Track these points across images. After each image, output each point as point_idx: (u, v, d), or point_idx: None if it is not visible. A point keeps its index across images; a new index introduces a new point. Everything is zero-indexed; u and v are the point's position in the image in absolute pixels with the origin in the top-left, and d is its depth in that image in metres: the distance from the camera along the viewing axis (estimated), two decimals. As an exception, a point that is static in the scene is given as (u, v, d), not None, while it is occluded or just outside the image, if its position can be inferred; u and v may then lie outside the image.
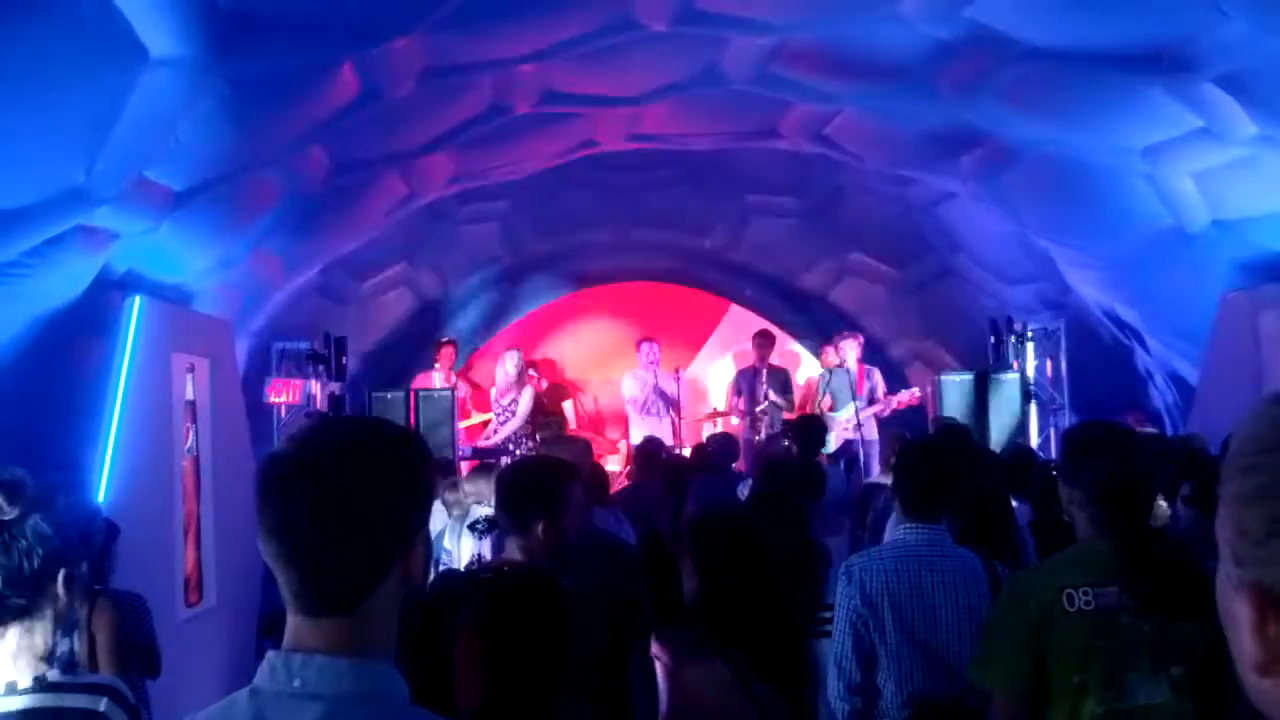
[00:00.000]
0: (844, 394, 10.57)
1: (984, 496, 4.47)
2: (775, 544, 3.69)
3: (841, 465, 9.87)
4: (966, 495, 4.12)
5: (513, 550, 3.31)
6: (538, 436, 9.75)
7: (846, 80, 7.86)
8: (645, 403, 11.70)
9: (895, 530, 3.72)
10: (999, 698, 2.82)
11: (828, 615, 4.58)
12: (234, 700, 1.43)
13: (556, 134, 9.29)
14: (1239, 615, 0.93)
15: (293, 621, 1.44)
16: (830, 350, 11.27)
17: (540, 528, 3.23)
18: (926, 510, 3.66)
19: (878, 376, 10.94)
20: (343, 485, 1.41)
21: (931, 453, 3.90)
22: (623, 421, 12.24)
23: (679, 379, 11.65)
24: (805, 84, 8.02)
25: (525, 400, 10.85)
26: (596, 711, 3.45)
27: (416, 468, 1.51)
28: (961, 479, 4.01)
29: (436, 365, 11.27)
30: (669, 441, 10.61)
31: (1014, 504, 5.04)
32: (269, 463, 1.46)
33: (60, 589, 2.24)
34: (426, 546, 1.55)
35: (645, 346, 11.78)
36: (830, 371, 10.91)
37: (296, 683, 1.39)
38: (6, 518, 2.18)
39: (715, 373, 12.78)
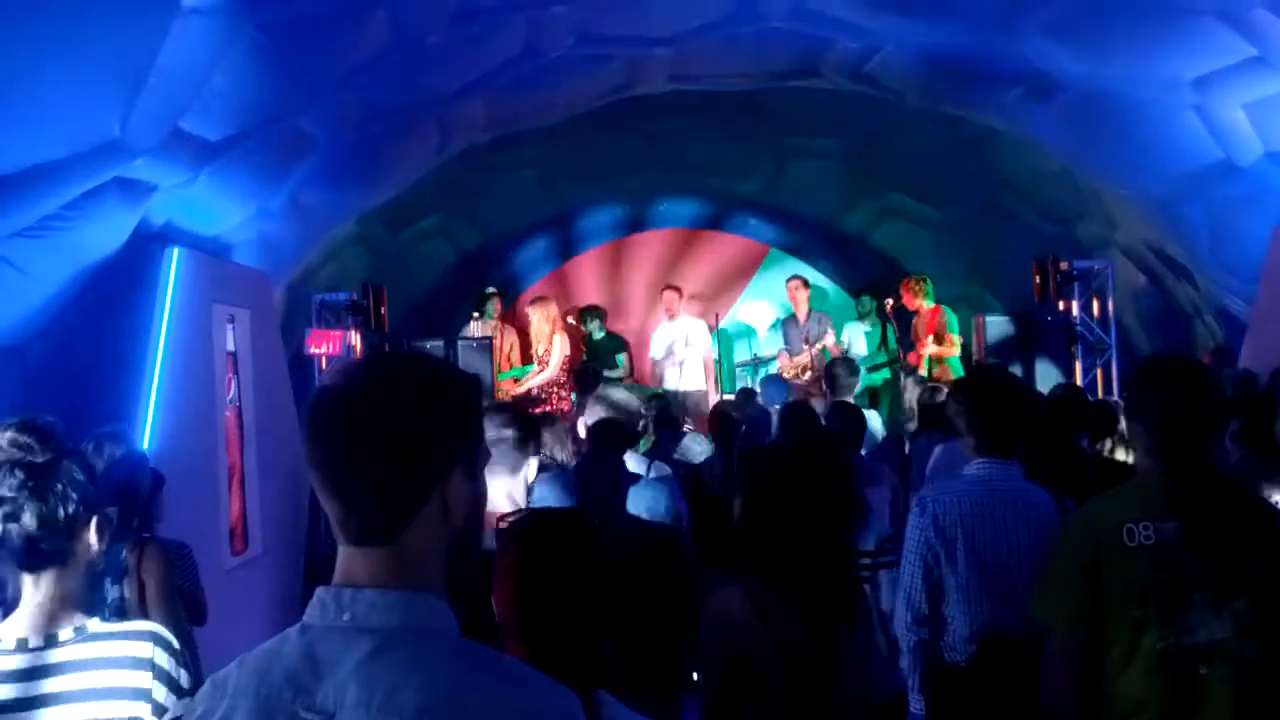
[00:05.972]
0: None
1: (1050, 434, 4.45)
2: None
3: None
4: (1033, 432, 4.10)
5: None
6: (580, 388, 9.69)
7: (888, 16, 7.68)
8: (665, 352, 11.67)
9: (969, 466, 3.70)
10: (1057, 632, 2.77)
11: (865, 562, 4.57)
12: (285, 637, 1.42)
13: (591, 78, 9.18)
14: None
15: (341, 553, 1.44)
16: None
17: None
18: (1002, 447, 3.65)
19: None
20: (376, 412, 1.39)
21: (1009, 390, 3.88)
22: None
23: (715, 326, 11.60)
24: (846, 21, 7.85)
25: (557, 350, 10.76)
26: (648, 646, 3.45)
27: (454, 396, 1.46)
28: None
29: (477, 316, 11.25)
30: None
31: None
32: (314, 396, 1.45)
33: (93, 536, 2.21)
34: (478, 485, 1.51)
35: (664, 294, 11.78)
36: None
37: (346, 616, 1.38)
38: (39, 460, 2.14)
39: (755, 318, 12.70)
